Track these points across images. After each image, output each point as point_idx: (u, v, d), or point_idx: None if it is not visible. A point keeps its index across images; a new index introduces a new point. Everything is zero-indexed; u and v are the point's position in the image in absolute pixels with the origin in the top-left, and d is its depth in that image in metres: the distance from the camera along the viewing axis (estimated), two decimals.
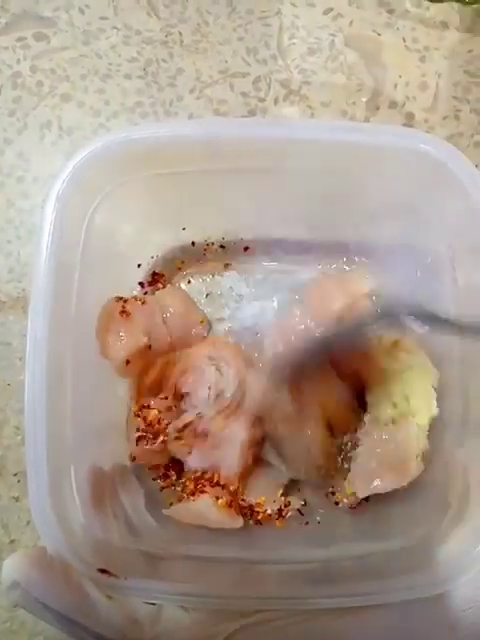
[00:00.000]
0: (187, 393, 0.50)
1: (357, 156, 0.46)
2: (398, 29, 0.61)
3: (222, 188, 0.51)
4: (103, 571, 0.40)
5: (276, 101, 0.60)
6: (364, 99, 0.60)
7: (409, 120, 0.60)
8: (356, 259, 0.55)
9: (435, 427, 0.48)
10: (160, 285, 0.55)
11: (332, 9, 0.61)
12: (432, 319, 0.44)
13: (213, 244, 0.56)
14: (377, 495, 0.47)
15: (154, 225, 0.54)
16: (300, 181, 0.48)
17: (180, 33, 0.61)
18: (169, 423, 0.50)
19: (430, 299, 0.47)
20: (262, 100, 0.60)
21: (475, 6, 0.60)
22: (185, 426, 0.49)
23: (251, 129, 0.45)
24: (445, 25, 0.61)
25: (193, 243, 0.56)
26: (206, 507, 0.47)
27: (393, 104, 0.60)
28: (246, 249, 0.56)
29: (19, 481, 0.55)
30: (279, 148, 0.45)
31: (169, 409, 0.50)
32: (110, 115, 0.60)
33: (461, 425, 0.46)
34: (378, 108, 0.60)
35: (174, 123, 0.46)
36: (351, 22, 0.61)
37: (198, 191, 0.50)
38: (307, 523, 0.50)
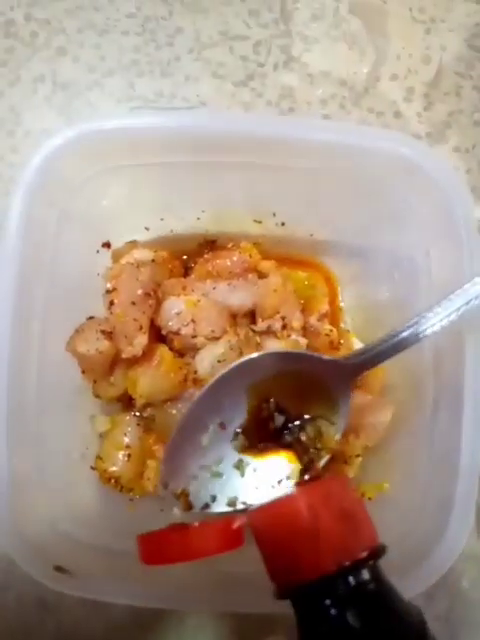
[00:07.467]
0: None
1: (335, 156, 0.44)
2: None
3: (203, 180, 0.49)
4: (59, 568, 0.39)
5: (275, 67, 0.59)
6: (365, 70, 0.59)
7: (409, 94, 0.58)
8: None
9: None
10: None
11: None
12: None
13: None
14: None
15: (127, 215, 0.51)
16: (278, 178, 0.47)
17: None
18: None
19: (406, 300, 0.47)
20: (261, 65, 0.59)
21: None
22: None
23: (228, 124, 0.44)
24: None
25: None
26: None
27: (394, 76, 0.59)
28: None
29: None
30: (260, 145, 0.44)
31: None
32: (105, 72, 0.59)
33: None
34: (379, 79, 0.59)
35: (147, 116, 0.45)
36: None
37: (176, 182, 0.48)
38: None
